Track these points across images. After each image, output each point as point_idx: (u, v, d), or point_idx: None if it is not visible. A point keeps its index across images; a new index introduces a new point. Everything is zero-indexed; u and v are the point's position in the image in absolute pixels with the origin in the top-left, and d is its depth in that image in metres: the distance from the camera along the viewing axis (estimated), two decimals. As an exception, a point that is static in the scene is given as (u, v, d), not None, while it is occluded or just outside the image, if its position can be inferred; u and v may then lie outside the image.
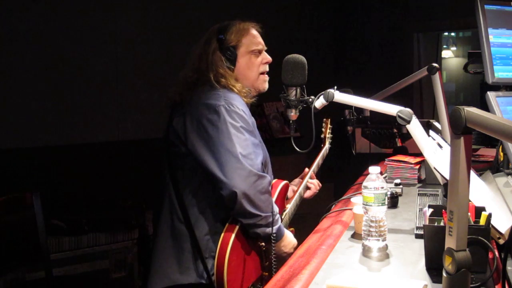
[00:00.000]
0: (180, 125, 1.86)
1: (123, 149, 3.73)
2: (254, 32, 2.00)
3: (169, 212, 1.90)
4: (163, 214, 1.92)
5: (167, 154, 1.93)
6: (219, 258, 1.77)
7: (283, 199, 2.13)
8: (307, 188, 2.31)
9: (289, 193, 2.25)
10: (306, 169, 2.35)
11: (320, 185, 2.37)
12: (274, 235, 1.85)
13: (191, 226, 1.86)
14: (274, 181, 2.13)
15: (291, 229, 2.18)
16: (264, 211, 1.79)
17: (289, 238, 1.98)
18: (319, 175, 2.43)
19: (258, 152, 1.80)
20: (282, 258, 1.99)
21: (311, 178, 2.34)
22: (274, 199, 2.03)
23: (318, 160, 2.44)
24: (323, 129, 2.59)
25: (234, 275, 1.80)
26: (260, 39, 2.02)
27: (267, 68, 2.03)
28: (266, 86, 2.05)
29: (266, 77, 2.04)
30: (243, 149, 1.74)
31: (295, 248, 1.91)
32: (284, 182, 2.14)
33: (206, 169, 1.77)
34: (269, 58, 2.03)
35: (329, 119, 2.60)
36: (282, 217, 2.08)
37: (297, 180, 2.35)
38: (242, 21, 2.00)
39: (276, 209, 1.88)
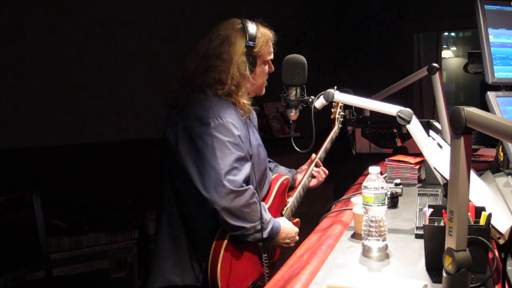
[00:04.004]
0: (172, 136, 1.86)
1: (123, 149, 3.72)
2: (271, 41, 1.99)
3: (168, 215, 1.91)
4: (163, 216, 1.93)
5: (165, 160, 1.93)
6: (212, 264, 1.78)
7: (283, 194, 2.13)
8: (312, 176, 2.28)
9: (297, 181, 2.23)
10: (313, 155, 2.31)
11: (327, 172, 2.32)
12: (262, 239, 1.85)
13: (189, 230, 1.87)
14: (274, 176, 2.13)
15: (296, 220, 2.18)
16: (250, 221, 1.79)
17: (287, 229, 1.97)
18: (326, 160, 2.37)
19: (241, 167, 1.79)
20: (285, 248, 2.01)
21: (317, 165, 2.29)
22: (273, 195, 2.04)
23: (326, 144, 2.38)
24: (332, 110, 2.50)
25: (229, 279, 1.80)
26: (272, 48, 2.00)
27: (267, 76, 2.04)
28: (264, 91, 2.05)
29: (266, 83, 2.05)
30: (225, 166, 1.73)
31: (299, 246, 1.91)
32: (284, 177, 2.14)
33: (191, 183, 1.77)
34: (273, 68, 2.03)
35: None
36: (283, 212, 2.09)
37: (304, 167, 2.33)
38: (263, 25, 1.97)
39: (266, 215, 1.87)
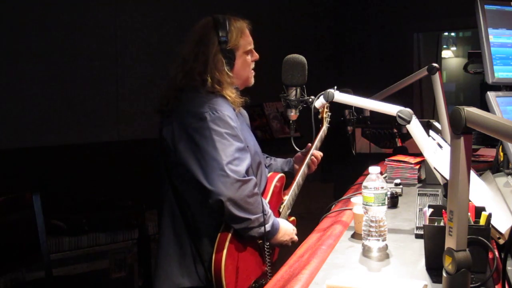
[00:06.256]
0: (169, 135, 1.86)
1: (123, 149, 3.73)
2: (247, 30, 1.99)
3: (171, 217, 1.91)
4: (165, 218, 1.93)
5: (163, 162, 1.93)
6: (215, 263, 1.78)
7: (279, 192, 2.13)
8: (308, 166, 2.31)
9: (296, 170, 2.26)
10: (309, 144, 2.32)
11: (321, 154, 2.36)
12: (265, 233, 1.85)
13: (192, 231, 1.87)
14: (269, 174, 2.14)
15: (292, 218, 2.18)
16: (254, 213, 1.80)
17: (284, 227, 1.98)
18: (326, 160, 2.41)
19: (243, 157, 1.79)
20: (285, 246, 2.01)
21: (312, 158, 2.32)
22: (270, 193, 2.04)
23: (316, 143, 2.40)
24: (320, 110, 2.57)
25: (233, 278, 1.80)
26: (251, 37, 2.00)
27: (253, 65, 2.03)
28: (253, 81, 2.05)
29: (253, 72, 2.04)
30: (227, 157, 1.74)
31: (299, 246, 1.91)
32: (280, 175, 2.14)
33: (194, 178, 1.77)
34: (257, 56, 2.03)
35: None
36: (280, 210, 2.09)
37: (298, 155, 2.34)
38: (235, 18, 1.96)
39: (267, 208, 1.88)
